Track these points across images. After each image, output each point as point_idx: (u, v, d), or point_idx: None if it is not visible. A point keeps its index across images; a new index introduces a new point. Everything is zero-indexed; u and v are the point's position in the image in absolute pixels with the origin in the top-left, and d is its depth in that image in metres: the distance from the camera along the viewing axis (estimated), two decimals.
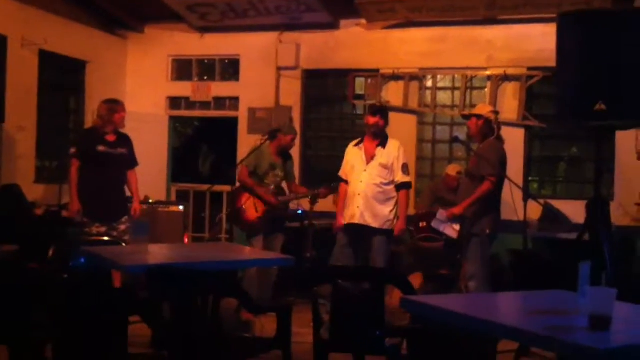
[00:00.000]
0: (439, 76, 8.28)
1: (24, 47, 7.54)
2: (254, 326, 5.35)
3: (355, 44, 8.49)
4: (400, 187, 5.68)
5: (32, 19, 7.72)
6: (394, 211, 5.67)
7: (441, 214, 5.58)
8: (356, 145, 5.82)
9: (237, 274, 5.86)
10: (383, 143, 5.69)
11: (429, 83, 8.31)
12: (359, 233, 5.64)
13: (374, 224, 5.58)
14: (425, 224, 6.64)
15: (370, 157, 5.66)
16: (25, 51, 7.57)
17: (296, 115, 8.67)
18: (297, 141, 8.47)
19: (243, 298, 4.43)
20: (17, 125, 7.42)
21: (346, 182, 5.80)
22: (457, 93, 8.21)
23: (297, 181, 6.93)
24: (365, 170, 5.65)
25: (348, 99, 8.55)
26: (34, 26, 7.71)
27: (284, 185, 6.50)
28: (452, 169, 7.29)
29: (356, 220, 5.62)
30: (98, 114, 6.18)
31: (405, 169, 5.70)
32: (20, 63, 7.43)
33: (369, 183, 5.60)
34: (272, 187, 6.28)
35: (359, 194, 5.61)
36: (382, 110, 5.83)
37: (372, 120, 5.70)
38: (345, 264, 5.54)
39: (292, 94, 8.73)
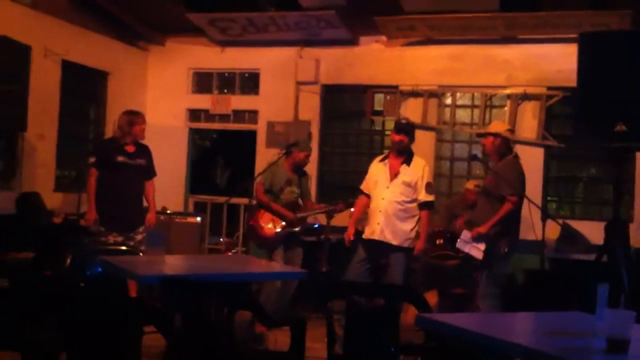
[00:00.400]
0: (458, 94, 8.27)
1: (47, 57, 7.64)
2: (267, 339, 5.34)
3: (374, 61, 8.52)
4: (422, 206, 5.57)
5: (55, 30, 7.83)
6: (415, 229, 5.61)
7: (465, 234, 5.46)
8: (381, 161, 5.77)
9: (251, 286, 5.86)
10: (408, 161, 5.59)
11: (448, 100, 8.31)
12: (378, 249, 5.60)
13: (393, 241, 5.50)
14: (441, 241, 6.60)
15: (394, 174, 5.60)
16: (47, 61, 7.67)
17: (314, 130, 8.70)
18: (314, 156, 8.57)
19: (257, 311, 4.43)
20: (38, 134, 7.50)
21: (367, 195, 5.77)
22: (476, 111, 8.20)
23: (313, 196, 6.92)
24: (388, 187, 5.59)
25: (366, 115, 8.56)
26: (57, 36, 7.82)
27: (300, 202, 6.50)
28: (470, 183, 7.27)
29: (376, 237, 5.57)
30: (118, 125, 6.22)
31: (429, 188, 5.58)
32: (42, 73, 7.52)
33: (391, 200, 5.53)
34: (287, 203, 6.29)
35: (380, 211, 5.55)
36: (408, 128, 5.72)
37: (397, 137, 5.63)
38: (360, 279, 5.49)
39: (310, 109, 8.76)
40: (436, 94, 8.26)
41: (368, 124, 8.73)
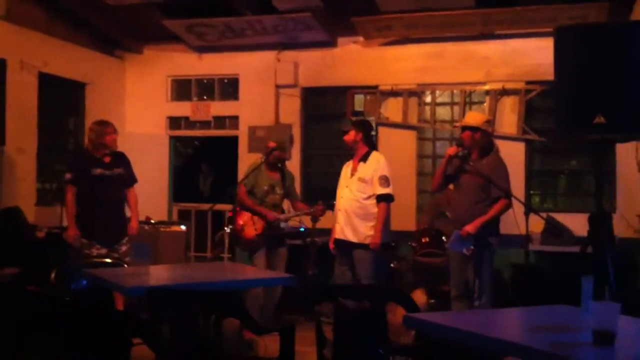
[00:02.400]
0: (437, 92, 8.30)
1: (23, 69, 7.58)
2: (257, 346, 5.32)
3: (353, 61, 8.53)
4: (378, 199, 5.58)
5: (31, 42, 7.77)
6: (372, 225, 5.59)
7: (456, 234, 5.44)
8: (347, 163, 5.87)
9: (239, 294, 5.84)
10: (365, 158, 5.67)
11: (428, 99, 8.33)
12: (343, 248, 5.66)
13: (353, 238, 5.58)
14: (427, 239, 6.61)
15: (352, 173, 5.67)
16: (24, 74, 7.60)
17: (296, 133, 8.69)
18: (297, 158, 8.57)
19: (245, 318, 4.41)
20: (17, 148, 7.44)
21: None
22: (456, 108, 8.22)
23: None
24: (347, 186, 5.67)
25: (347, 116, 8.57)
26: (33, 49, 7.76)
27: (287, 203, 6.49)
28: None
29: (338, 236, 5.66)
30: (88, 138, 6.13)
31: (383, 181, 5.57)
32: (19, 86, 7.46)
33: (349, 198, 5.61)
34: (270, 205, 6.27)
35: (340, 210, 5.66)
36: (356, 124, 5.78)
37: (344, 138, 5.72)
38: (342, 281, 5.52)
39: (291, 112, 8.76)
40: (416, 93, 8.28)
41: (349, 125, 8.72)
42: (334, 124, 8.86)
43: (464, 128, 5.47)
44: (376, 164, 5.62)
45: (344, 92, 8.57)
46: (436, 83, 8.26)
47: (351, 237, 5.57)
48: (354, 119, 5.96)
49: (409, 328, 3.52)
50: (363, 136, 5.68)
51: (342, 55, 8.60)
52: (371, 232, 5.54)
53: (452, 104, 8.33)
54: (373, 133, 8.56)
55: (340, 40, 8.62)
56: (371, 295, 4.08)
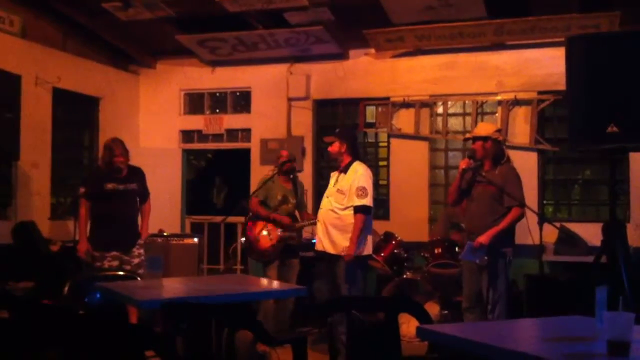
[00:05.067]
0: (449, 102, 8.29)
1: (38, 85, 7.65)
2: (270, 358, 5.31)
3: (364, 73, 8.55)
4: (355, 210, 5.43)
5: (45, 58, 7.85)
6: (348, 236, 5.46)
7: (469, 245, 5.36)
8: (333, 173, 5.79)
9: (252, 305, 5.84)
10: (345, 169, 5.56)
11: (440, 109, 8.32)
12: (324, 259, 5.61)
13: (331, 250, 5.48)
14: (440, 250, 6.58)
15: (334, 184, 5.62)
16: (38, 89, 7.68)
17: (308, 145, 8.71)
18: (309, 170, 8.58)
19: (258, 330, 4.40)
20: (32, 162, 7.50)
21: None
22: (468, 118, 8.21)
23: (310, 210, 6.93)
24: (327, 197, 5.62)
25: (359, 128, 8.57)
26: (47, 64, 7.84)
27: (297, 214, 6.51)
28: None
29: (317, 247, 5.62)
30: (101, 156, 6.22)
31: (360, 191, 5.41)
32: (34, 101, 7.53)
33: (327, 209, 5.54)
34: (285, 214, 6.30)
35: (320, 221, 5.58)
36: (340, 135, 5.63)
37: (330, 149, 5.65)
38: (321, 293, 5.48)
39: (303, 124, 8.78)
40: (428, 104, 8.28)
41: (361, 136, 8.74)
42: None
43: (475, 138, 5.46)
44: (354, 174, 5.48)
45: (355, 104, 8.59)
46: (448, 94, 8.25)
47: (329, 249, 5.49)
48: (337, 129, 5.88)
49: (423, 339, 3.50)
50: (347, 146, 5.56)
51: (354, 67, 8.63)
52: (347, 244, 5.40)
53: (464, 114, 8.31)
54: (385, 144, 8.61)
55: (352, 52, 8.64)
56: (384, 306, 4.07)
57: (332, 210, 5.50)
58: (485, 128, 5.54)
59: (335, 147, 5.59)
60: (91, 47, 8.64)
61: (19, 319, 4.22)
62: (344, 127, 5.90)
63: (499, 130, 5.61)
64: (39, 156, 7.65)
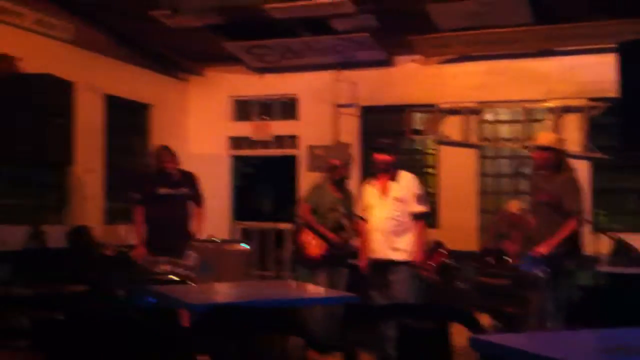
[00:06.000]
0: (497, 109, 8.22)
1: (90, 91, 7.82)
2: None
3: (411, 80, 8.54)
4: (416, 217, 5.62)
5: (97, 65, 8.03)
6: (411, 242, 5.61)
7: (529, 255, 5.26)
8: (371, 182, 5.84)
9: (302, 312, 5.87)
10: (394, 177, 5.69)
11: (488, 116, 8.26)
12: (383, 268, 5.63)
13: (395, 257, 5.57)
14: (491, 259, 6.52)
15: (384, 193, 5.67)
16: (91, 96, 7.85)
17: (355, 152, 8.72)
18: (356, 177, 8.58)
19: (308, 337, 4.44)
20: (85, 168, 7.67)
21: (364, 219, 5.82)
22: (517, 126, 8.12)
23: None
24: (380, 206, 5.66)
25: (406, 134, 8.56)
26: (99, 72, 8.02)
27: (345, 222, 6.52)
28: (512, 206, 7.14)
29: (376, 256, 5.65)
30: (151, 163, 6.36)
31: (419, 199, 5.65)
32: (86, 107, 7.69)
33: (386, 217, 5.61)
34: (333, 224, 6.31)
35: (377, 230, 5.64)
36: (389, 147, 5.81)
37: (380, 157, 5.71)
38: (378, 302, 5.50)
39: (350, 131, 8.81)
40: (476, 111, 8.23)
41: (408, 143, 8.72)
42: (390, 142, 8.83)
43: (536, 148, 5.45)
44: (409, 182, 5.68)
45: (402, 111, 8.58)
46: (496, 101, 8.19)
47: (392, 256, 5.57)
48: (384, 142, 5.95)
49: (475, 350, 3.48)
50: (394, 158, 5.73)
51: (400, 73, 8.63)
52: (410, 249, 5.55)
53: (513, 121, 8.23)
54: (431, 151, 8.59)
55: (398, 58, 8.65)
56: (436, 314, 4.06)
57: (393, 219, 5.58)
58: (547, 138, 5.55)
59: (386, 158, 5.65)
60: (141, 55, 8.80)
61: (73, 323, 4.33)
62: (392, 141, 6.02)
63: (560, 140, 5.59)
64: (92, 162, 7.83)
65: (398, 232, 5.57)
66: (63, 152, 6.70)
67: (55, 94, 6.66)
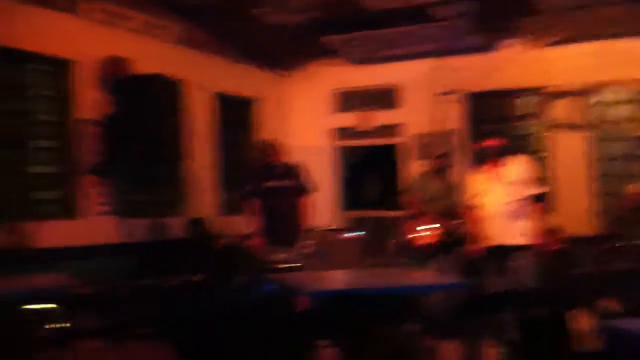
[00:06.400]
0: (606, 91, 7.96)
1: (199, 89, 8.12)
2: (437, 352, 5.36)
3: (515, 64, 8.39)
4: (534, 199, 5.54)
5: (204, 64, 8.34)
6: (531, 226, 5.52)
7: None
8: (480, 169, 5.77)
9: (417, 299, 5.92)
10: (506, 161, 5.62)
11: (597, 98, 8.01)
12: (501, 254, 5.56)
13: (512, 242, 5.50)
14: (613, 243, 6.35)
15: (497, 178, 5.60)
16: (200, 93, 8.15)
17: (460, 139, 8.66)
18: (462, 164, 8.50)
19: (425, 323, 4.49)
20: (200, 163, 8.00)
21: (475, 207, 5.76)
22: (629, 107, 7.84)
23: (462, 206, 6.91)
24: (494, 192, 5.60)
25: (512, 119, 8.42)
26: (206, 70, 8.32)
27: (453, 210, 6.51)
28: (632, 188, 6.93)
29: (494, 242, 5.59)
30: (256, 157, 6.57)
31: (535, 181, 5.58)
32: (197, 105, 8.01)
33: (502, 202, 5.54)
34: (441, 212, 6.33)
35: (493, 216, 5.58)
36: (499, 132, 5.90)
37: (489, 143, 5.66)
38: (496, 289, 5.45)
39: (454, 118, 8.75)
40: (583, 93, 8.00)
41: (515, 128, 8.58)
42: (499, 128, 8.72)
43: None
44: (523, 165, 5.61)
45: (506, 96, 8.45)
46: (604, 82, 7.93)
47: (510, 241, 5.51)
48: (494, 127, 5.89)
49: (603, 335, 3.45)
50: (502, 142, 5.69)
51: (504, 58, 8.49)
52: (528, 233, 5.48)
53: (624, 102, 7.95)
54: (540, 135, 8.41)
55: (501, 43, 8.50)
56: (556, 301, 4.04)
57: (508, 203, 5.54)
58: None
59: (496, 143, 5.64)
60: (245, 52, 9.05)
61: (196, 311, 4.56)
62: (500, 127, 5.99)
63: None
64: (205, 156, 8.16)
65: (515, 217, 5.52)
66: (180, 149, 7.02)
67: (167, 93, 6.96)
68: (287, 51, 9.53)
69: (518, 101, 8.41)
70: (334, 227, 8.33)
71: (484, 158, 5.71)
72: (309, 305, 5.61)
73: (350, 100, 9.65)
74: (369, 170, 10.62)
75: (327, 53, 9.21)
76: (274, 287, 4.86)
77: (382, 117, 9.34)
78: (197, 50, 8.28)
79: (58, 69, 6.80)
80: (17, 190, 6.41)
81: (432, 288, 5.15)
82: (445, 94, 8.76)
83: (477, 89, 8.68)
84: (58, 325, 4.61)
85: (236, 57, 8.90)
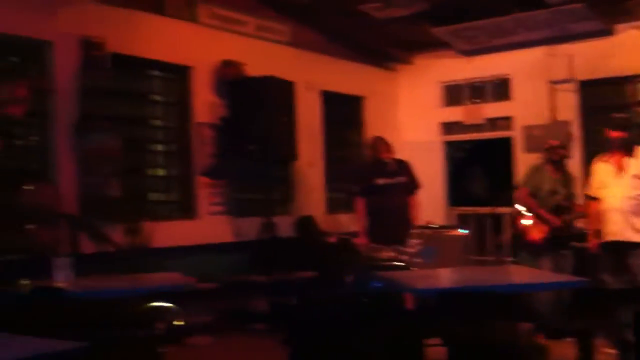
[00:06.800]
0: None
1: (308, 89, 8.24)
2: (550, 351, 5.21)
3: (633, 49, 7.95)
4: None
5: (313, 63, 8.44)
6: None
7: None
8: (603, 160, 5.47)
9: (530, 297, 5.77)
10: (631, 153, 5.34)
11: None
12: (621, 250, 5.27)
13: (634, 238, 5.22)
14: None
15: (620, 170, 5.32)
16: (309, 93, 8.28)
17: (575, 130, 8.32)
18: (578, 157, 8.19)
19: (538, 322, 4.37)
20: (307, 162, 8.12)
21: (596, 199, 5.47)
22: None
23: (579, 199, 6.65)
24: (617, 185, 5.33)
25: (631, 107, 7.99)
26: (315, 69, 8.42)
27: (566, 204, 6.28)
28: None
29: (614, 237, 5.31)
30: (367, 154, 6.59)
31: None
32: (305, 105, 8.13)
33: (624, 196, 5.28)
34: (554, 207, 6.12)
35: (615, 210, 5.31)
36: (625, 122, 5.49)
37: (615, 134, 5.37)
38: (617, 286, 5.18)
39: (568, 108, 8.41)
40: None
41: (636, 116, 8.13)
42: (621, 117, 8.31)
43: None
44: None
45: (625, 82, 8.04)
46: None
47: (632, 238, 5.26)
48: (618, 118, 5.58)
49: None
50: (629, 134, 5.40)
51: (621, 43, 8.06)
52: None
53: None
54: None
55: (618, 27, 8.09)
56: None
57: (632, 197, 5.29)
58: None
59: (621, 134, 5.39)
60: (352, 49, 9.10)
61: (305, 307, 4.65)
62: (626, 116, 5.69)
63: None
64: (313, 155, 8.28)
65: (638, 212, 5.27)
66: (288, 149, 7.19)
67: (279, 95, 7.14)
68: (395, 46, 9.49)
69: (636, 88, 7.95)
70: (441, 224, 8.23)
71: (609, 149, 5.47)
72: (416, 303, 5.61)
73: (458, 93, 9.47)
74: (478, 165, 10.41)
75: (435, 45, 9.10)
76: (382, 285, 4.88)
77: (492, 110, 9.11)
78: (306, 50, 8.40)
79: (177, 75, 7.11)
80: (138, 192, 6.75)
81: (546, 286, 5.00)
82: (558, 82, 8.43)
83: (591, 76, 8.28)
84: (175, 323, 4.85)
85: (344, 55, 8.96)
